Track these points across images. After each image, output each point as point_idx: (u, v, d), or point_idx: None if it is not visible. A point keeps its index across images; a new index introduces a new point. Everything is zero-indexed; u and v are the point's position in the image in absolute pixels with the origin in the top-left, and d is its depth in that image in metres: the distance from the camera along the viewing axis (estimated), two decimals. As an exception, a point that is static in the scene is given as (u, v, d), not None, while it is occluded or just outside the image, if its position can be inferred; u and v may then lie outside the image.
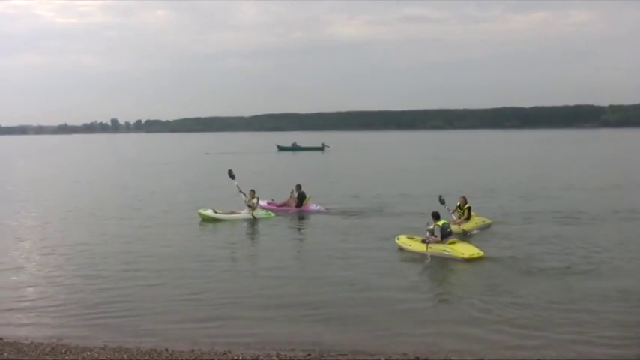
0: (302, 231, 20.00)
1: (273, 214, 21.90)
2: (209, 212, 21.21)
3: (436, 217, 16.02)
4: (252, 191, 21.83)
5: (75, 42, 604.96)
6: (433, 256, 15.13)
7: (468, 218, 18.79)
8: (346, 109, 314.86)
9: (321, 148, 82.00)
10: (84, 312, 11.38)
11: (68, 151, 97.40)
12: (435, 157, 62.31)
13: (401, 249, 16.09)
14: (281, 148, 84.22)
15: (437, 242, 15.47)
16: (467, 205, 18.93)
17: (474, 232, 18.46)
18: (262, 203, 23.04)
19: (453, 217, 18.52)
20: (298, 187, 23.68)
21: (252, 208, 21.53)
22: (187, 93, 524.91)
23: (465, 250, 15.18)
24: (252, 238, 19.25)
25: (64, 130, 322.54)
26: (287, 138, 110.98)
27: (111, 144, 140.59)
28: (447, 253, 15.25)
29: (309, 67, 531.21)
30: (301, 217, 22.12)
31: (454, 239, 15.81)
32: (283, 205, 23.52)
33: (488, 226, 19.19)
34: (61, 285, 13.31)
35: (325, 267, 14.67)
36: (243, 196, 21.59)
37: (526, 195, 27.93)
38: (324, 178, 38.73)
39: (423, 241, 15.72)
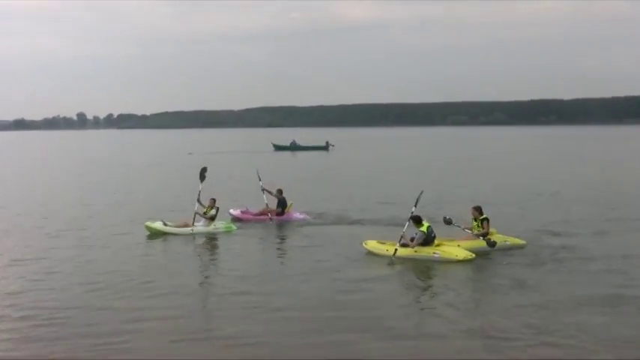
0: (274, 245, 19.85)
1: (234, 227, 21.82)
2: (157, 224, 21.28)
3: (418, 220, 16.92)
4: (213, 200, 21.84)
5: (32, 22, 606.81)
6: (411, 259, 16.43)
7: (487, 233, 17.90)
8: (352, 101, 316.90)
9: (325, 147, 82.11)
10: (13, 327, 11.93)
11: (24, 150, 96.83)
12: (457, 156, 62.01)
13: (371, 254, 17.14)
14: (278, 147, 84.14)
15: (418, 246, 16.69)
16: (482, 217, 18.05)
17: (507, 243, 17.88)
18: (235, 212, 23.75)
19: (467, 232, 17.99)
20: (279, 191, 23.88)
21: (209, 219, 21.53)
22: (167, 83, 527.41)
23: (457, 252, 16.49)
24: (202, 257, 18.73)
25: (21, 125, 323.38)
26: (285, 135, 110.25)
27: (76, 142, 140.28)
28: (436, 255, 16.46)
29: (309, 53, 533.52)
30: (281, 228, 22.35)
31: (441, 241, 16.95)
32: (261, 213, 23.66)
33: (520, 247, 18.09)
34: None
35: (297, 298, 13.76)
36: (197, 204, 21.75)
37: (591, 201, 27.71)
38: (329, 182, 38.99)
39: (403, 246, 16.82)
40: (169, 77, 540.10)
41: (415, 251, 16.69)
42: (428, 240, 16.80)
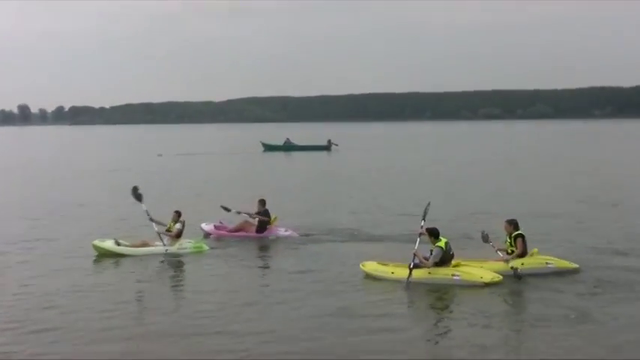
0: (251, 269, 19.82)
1: (206, 247, 21.84)
2: (108, 244, 21.34)
3: (435, 234, 17.23)
4: (177, 213, 21.94)
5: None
6: (424, 284, 16.68)
7: (523, 254, 17.82)
8: (361, 90, 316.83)
9: (327, 147, 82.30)
10: None
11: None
12: (490, 158, 61.86)
13: (370, 277, 17.56)
14: (268, 147, 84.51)
15: (434, 266, 16.96)
16: (515, 233, 18.00)
17: (549, 266, 17.81)
18: (208, 227, 24.24)
19: (500, 254, 18.02)
20: (262, 202, 24.29)
21: (173, 237, 21.60)
22: (131, 68, 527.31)
23: (482, 273, 16.73)
24: (160, 286, 18.38)
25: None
26: (277, 132, 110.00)
27: (16, 141, 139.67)
28: (456, 278, 16.67)
29: (306, 28, 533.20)
30: (263, 246, 22.86)
31: (459, 260, 17.18)
32: (239, 229, 24.14)
33: (574, 270, 17.88)
34: None
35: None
36: (154, 225, 21.73)
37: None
38: (327, 190, 39.38)
39: (415, 266, 16.98)
40: (133, 61, 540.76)
41: (429, 273, 16.96)
42: (445, 259, 17.03)
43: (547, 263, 17.75)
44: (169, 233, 21.51)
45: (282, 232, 23.82)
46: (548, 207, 29.85)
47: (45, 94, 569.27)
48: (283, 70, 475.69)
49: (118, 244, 21.28)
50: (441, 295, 16.19)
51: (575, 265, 17.98)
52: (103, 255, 20.95)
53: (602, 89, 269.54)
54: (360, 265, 17.99)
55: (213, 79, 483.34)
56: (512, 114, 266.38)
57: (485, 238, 18.30)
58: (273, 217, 24.07)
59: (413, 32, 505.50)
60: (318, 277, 17.99)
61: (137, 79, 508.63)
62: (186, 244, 21.50)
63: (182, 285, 18.44)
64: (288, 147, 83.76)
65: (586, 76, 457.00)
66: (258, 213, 23.94)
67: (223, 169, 55.91)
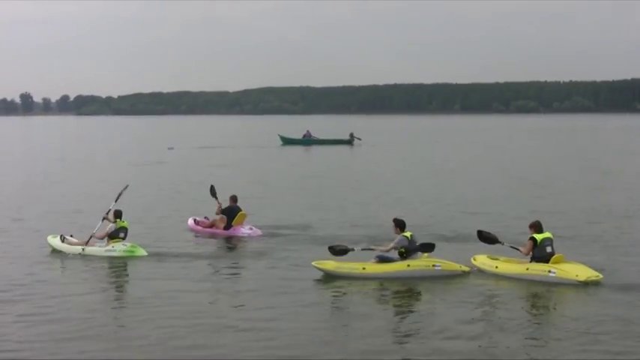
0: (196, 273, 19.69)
1: (142, 252, 21.48)
2: (55, 239, 22.13)
3: (401, 226, 18.56)
4: (117, 212, 21.95)
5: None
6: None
7: (546, 259, 17.93)
8: (385, 81, 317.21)
9: (349, 141, 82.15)
10: None
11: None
12: (524, 154, 60.75)
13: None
14: (287, 141, 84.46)
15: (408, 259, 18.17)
16: (543, 236, 18.10)
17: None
18: (190, 222, 25.64)
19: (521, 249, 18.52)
20: (232, 199, 25.30)
21: (102, 237, 21.75)
22: (139, 56, 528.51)
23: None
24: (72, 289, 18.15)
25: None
26: (296, 125, 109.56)
27: (17, 130, 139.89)
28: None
29: (326, 14, 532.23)
30: (228, 243, 23.87)
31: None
32: (211, 225, 25.24)
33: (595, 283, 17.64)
34: None
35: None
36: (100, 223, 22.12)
37: None
38: (336, 188, 39.41)
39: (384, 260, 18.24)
40: (142, 48, 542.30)
41: (408, 265, 18.03)
42: (410, 250, 18.13)
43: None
44: (96, 234, 21.67)
45: (244, 230, 24.55)
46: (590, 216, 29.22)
47: (49, 84, 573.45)
48: (302, 58, 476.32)
49: (63, 239, 21.83)
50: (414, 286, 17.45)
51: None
52: (55, 251, 21.74)
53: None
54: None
55: (228, 67, 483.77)
56: (549, 107, 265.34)
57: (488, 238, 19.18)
58: (241, 212, 24.81)
59: (442, 18, 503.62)
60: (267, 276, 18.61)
61: (146, 67, 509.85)
62: (118, 246, 21.23)
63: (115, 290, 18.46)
64: (308, 141, 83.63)
65: (627, 67, 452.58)
66: (222, 210, 24.95)
67: (238, 163, 55.74)
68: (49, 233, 22.79)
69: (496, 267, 18.19)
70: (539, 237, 17.89)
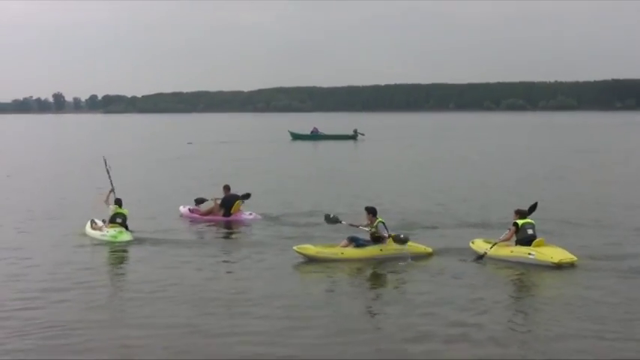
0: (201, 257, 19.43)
1: (126, 237, 20.98)
2: (87, 225, 22.07)
3: (374, 212, 18.94)
4: (117, 200, 21.83)
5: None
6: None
7: (508, 240, 18.33)
8: (387, 81, 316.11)
9: (353, 137, 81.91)
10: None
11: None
12: (519, 147, 60.38)
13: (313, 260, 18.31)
14: (296, 136, 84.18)
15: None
16: (523, 221, 18.24)
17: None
18: (184, 210, 25.37)
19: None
20: (226, 188, 25.18)
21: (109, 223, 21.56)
22: (162, 57, 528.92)
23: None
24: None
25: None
26: (305, 121, 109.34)
27: (49, 127, 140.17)
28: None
29: (332, 19, 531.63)
30: (228, 228, 23.73)
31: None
32: (208, 212, 25.07)
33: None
34: None
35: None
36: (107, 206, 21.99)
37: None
38: (341, 178, 39.07)
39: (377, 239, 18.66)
40: (163, 50, 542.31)
41: (381, 250, 18.53)
42: (380, 236, 18.60)
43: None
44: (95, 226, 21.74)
45: (246, 215, 24.70)
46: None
47: (78, 83, 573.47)
48: (310, 61, 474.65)
49: (93, 223, 21.77)
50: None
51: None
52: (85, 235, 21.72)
53: (626, 81, 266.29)
54: (294, 248, 18.60)
55: (242, 69, 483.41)
56: (535, 105, 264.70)
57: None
58: (238, 201, 24.80)
59: (440, 23, 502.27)
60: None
61: (167, 68, 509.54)
62: (109, 231, 20.99)
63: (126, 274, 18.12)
64: (316, 136, 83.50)
65: (609, 68, 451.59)
66: (221, 200, 24.89)
67: (253, 157, 55.43)
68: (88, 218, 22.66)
69: (487, 249, 18.29)
70: (520, 222, 18.04)
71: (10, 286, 16.11)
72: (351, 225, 19.36)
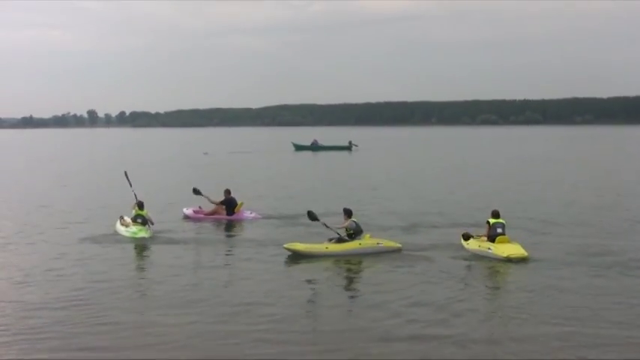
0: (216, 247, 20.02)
1: (145, 234, 21.12)
2: (117, 222, 22.27)
3: (349, 213, 18.90)
4: (139, 203, 22.00)
5: (39, 13, 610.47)
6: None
7: (488, 237, 18.31)
8: (377, 99, 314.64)
9: (348, 148, 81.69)
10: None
11: (29, 149, 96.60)
12: (494, 160, 60.34)
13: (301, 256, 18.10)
14: (299, 147, 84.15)
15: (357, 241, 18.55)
16: (495, 220, 18.39)
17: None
18: (188, 211, 25.19)
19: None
20: (227, 192, 25.16)
21: (132, 221, 21.66)
22: (182, 79, 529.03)
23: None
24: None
25: (29, 123, 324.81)
26: (306, 134, 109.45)
27: (86, 140, 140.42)
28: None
29: (332, 47, 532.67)
30: (232, 227, 23.59)
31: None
32: (212, 213, 25.04)
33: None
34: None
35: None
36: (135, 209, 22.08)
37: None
38: (353, 183, 38.63)
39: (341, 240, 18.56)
40: (184, 72, 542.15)
41: (360, 244, 18.49)
42: (357, 231, 18.67)
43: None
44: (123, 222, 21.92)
45: (247, 214, 24.77)
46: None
47: (110, 101, 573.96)
48: (311, 82, 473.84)
49: (122, 219, 21.96)
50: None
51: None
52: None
53: (585, 99, 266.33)
54: (284, 246, 18.53)
55: (251, 89, 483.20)
56: (506, 120, 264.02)
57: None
58: (239, 202, 24.84)
59: (422, 49, 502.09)
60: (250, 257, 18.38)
61: (187, 88, 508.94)
62: (130, 229, 21.25)
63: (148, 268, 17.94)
64: (316, 147, 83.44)
65: (570, 87, 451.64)
66: (222, 202, 24.78)
67: (261, 165, 55.50)
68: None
69: (467, 244, 18.48)
70: (492, 221, 18.24)
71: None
72: (325, 225, 18.80)
